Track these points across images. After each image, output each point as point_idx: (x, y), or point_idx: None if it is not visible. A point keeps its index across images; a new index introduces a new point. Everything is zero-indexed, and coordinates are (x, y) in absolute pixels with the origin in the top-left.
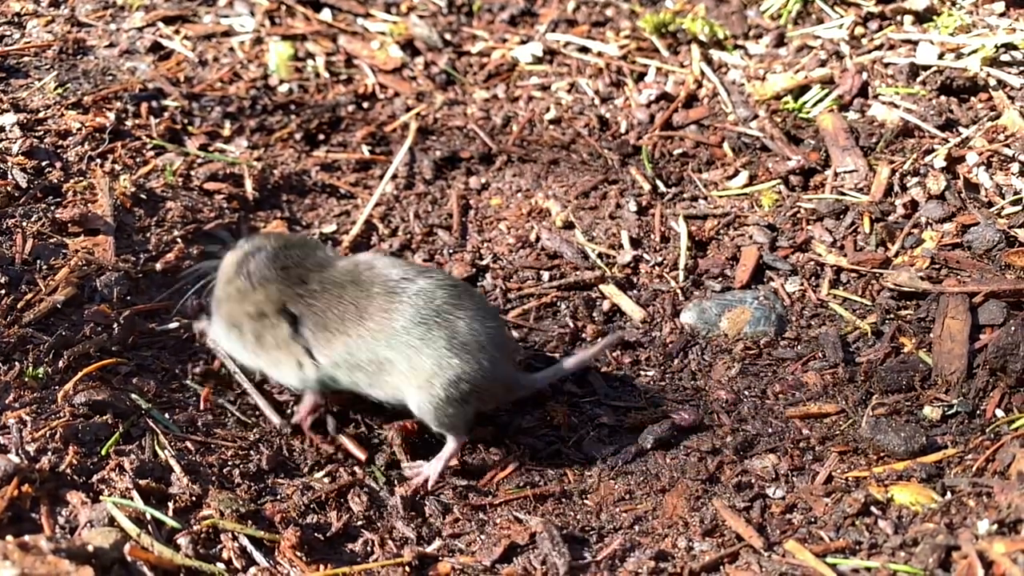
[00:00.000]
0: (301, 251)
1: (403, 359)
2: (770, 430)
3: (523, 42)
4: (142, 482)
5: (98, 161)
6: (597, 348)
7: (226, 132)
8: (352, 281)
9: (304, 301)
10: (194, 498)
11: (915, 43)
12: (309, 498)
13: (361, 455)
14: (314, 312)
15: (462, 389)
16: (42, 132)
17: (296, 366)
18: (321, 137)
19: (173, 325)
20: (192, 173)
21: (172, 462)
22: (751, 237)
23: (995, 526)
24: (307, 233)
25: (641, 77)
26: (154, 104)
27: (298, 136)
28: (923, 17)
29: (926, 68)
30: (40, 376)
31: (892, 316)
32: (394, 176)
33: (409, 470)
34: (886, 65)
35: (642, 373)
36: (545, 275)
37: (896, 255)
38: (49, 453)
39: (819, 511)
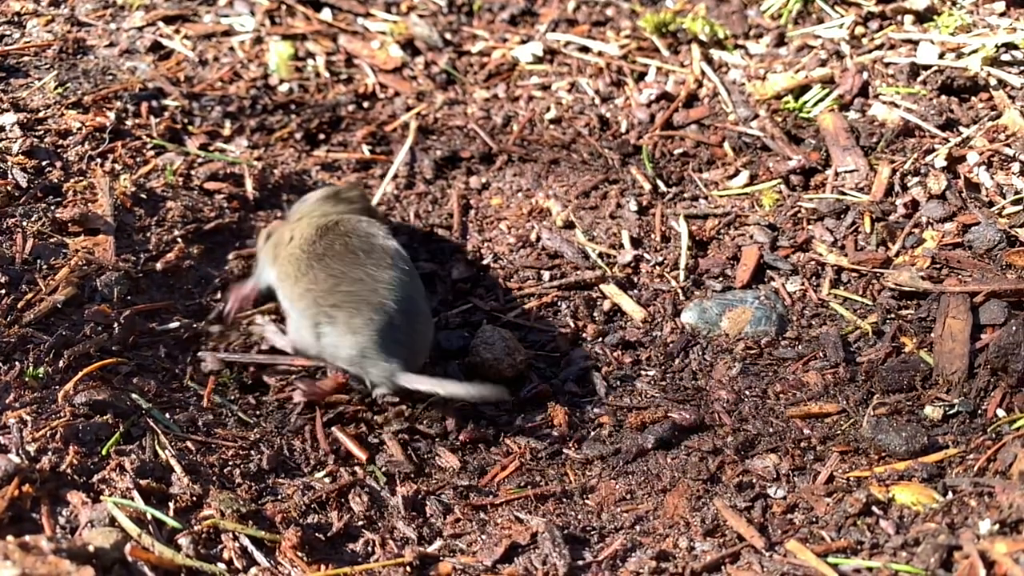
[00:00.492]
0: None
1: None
2: (771, 430)
3: (523, 42)
4: (143, 482)
5: (98, 161)
6: (478, 391)
7: (226, 132)
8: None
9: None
10: (195, 498)
11: (916, 43)
12: (310, 498)
13: (362, 455)
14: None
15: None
16: (42, 132)
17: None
18: (321, 137)
19: (174, 325)
20: (192, 173)
21: (173, 462)
22: (752, 237)
23: (997, 526)
24: None
25: (641, 77)
26: (154, 104)
27: (298, 136)
28: (923, 17)
29: (927, 68)
30: (40, 376)
31: (893, 316)
32: (394, 176)
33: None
34: (887, 65)
35: (643, 373)
36: (546, 275)
37: (897, 255)
38: (49, 453)
39: (820, 511)
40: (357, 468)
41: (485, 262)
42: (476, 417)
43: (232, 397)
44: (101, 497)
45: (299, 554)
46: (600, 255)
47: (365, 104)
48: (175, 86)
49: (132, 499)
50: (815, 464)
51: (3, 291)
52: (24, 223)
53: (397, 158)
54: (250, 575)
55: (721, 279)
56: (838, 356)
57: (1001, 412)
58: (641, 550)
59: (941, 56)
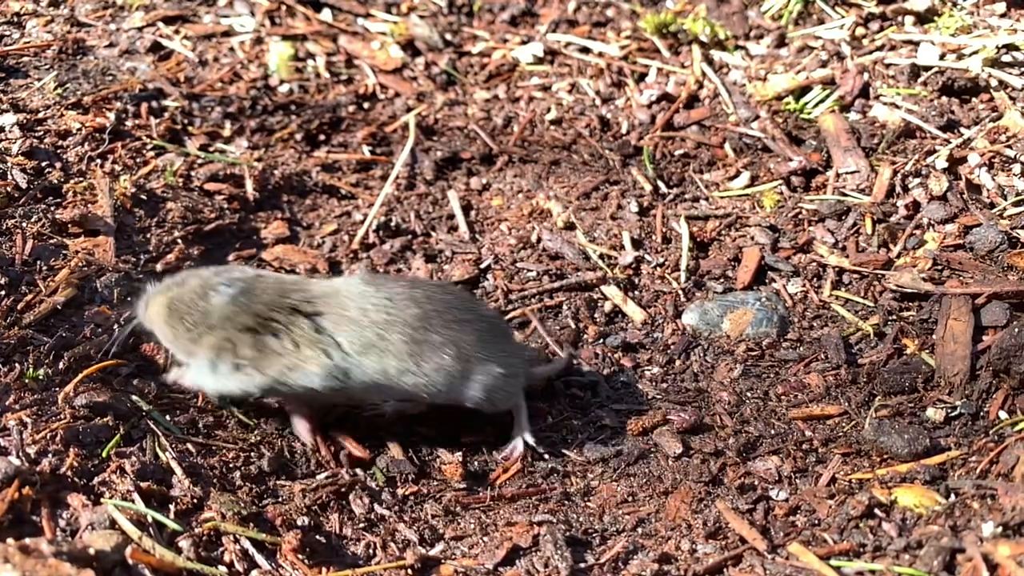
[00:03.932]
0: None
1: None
2: (773, 432)
3: (524, 42)
4: (143, 484)
5: (98, 161)
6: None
7: (226, 132)
8: (344, 291)
9: (310, 304)
10: (195, 500)
11: (916, 44)
12: (311, 500)
13: (363, 457)
14: (327, 309)
15: (513, 364)
16: (42, 132)
17: (324, 358)
18: (322, 137)
19: None
20: (192, 173)
21: (173, 464)
22: (753, 238)
23: (1000, 528)
24: (307, 233)
25: (642, 78)
26: (154, 104)
27: (299, 136)
28: (924, 18)
29: (927, 69)
30: (40, 378)
31: (894, 317)
32: (395, 176)
33: (505, 454)
34: (887, 66)
35: (644, 374)
36: (546, 276)
37: (898, 256)
38: (50, 455)
39: (823, 513)
40: (358, 470)
41: (486, 263)
42: (477, 418)
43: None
44: (102, 499)
45: (300, 556)
46: (601, 256)
47: (365, 105)
48: (175, 87)
49: (133, 501)
50: (817, 466)
51: (3, 292)
52: (24, 224)
53: (399, 159)
54: None
55: (722, 280)
56: (840, 358)
57: (1003, 414)
58: (643, 552)
59: (942, 57)
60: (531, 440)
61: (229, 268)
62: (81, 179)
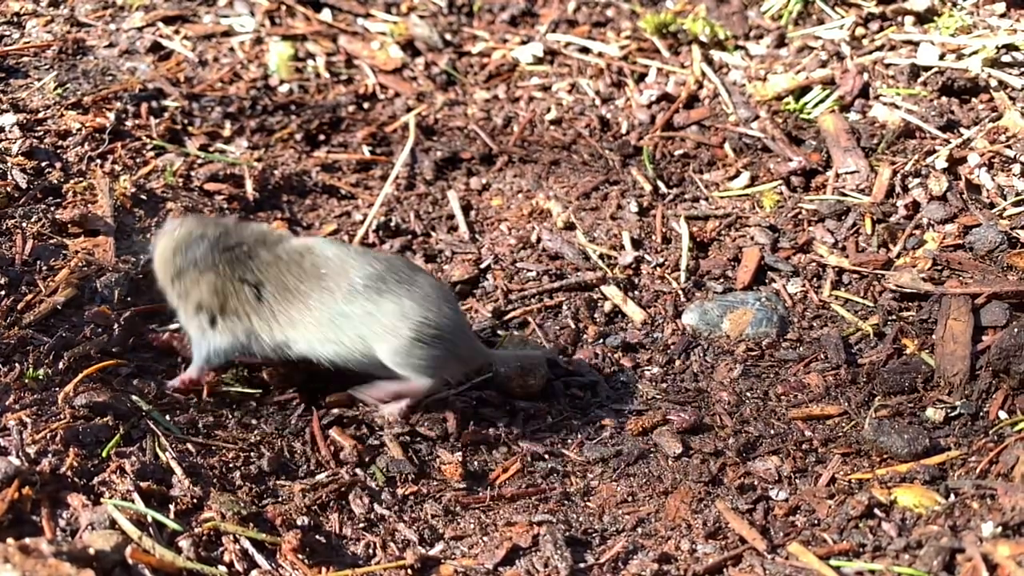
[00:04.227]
0: (237, 231)
1: (363, 312)
2: (772, 432)
3: (524, 42)
4: (143, 484)
5: (98, 161)
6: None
7: (226, 132)
8: (302, 254)
9: (261, 271)
10: (195, 500)
11: (916, 44)
12: (311, 500)
13: (363, 457)
14: (271, 279)
15: (428, 332)
16: (42, 132)
17: (249, 333)
18: (322, 137)
19: (174, 326)
20: (192, 174)
21: (173, 464)
22: (752, 238)
23: (999, 529)
24: (307, 233)
25: (642, 78)
26: (154, 104)
27: (298, 136)
28: (924, 18)
29: (927, 69)
30: (40, 378)
31: (894, 317)
32: (395, 176)
33: (370, 398)
34: (887, 66)
35: (644, 374)
36: (546, 276)
37: (898, 256)
38: (50, 455)
39: (822, 513)
40: (358, 470)
41: (485, 264)
42: (477, 419)
43: (230, 400)
44: (102, 499)
45: (300, 556)
46: (601, 256)
47: (365, 105)
48: (175, 87)
49: (133, 501)
50: (817, 466)
51: (3, 292)
52: (24, 224)
53: (399, 159)
54: None
55: (722, 280)
56: (839, 358)
57: (1003, 414)
58: (643, 552)
59: (942, 57)
60: (390, 413)
61: (216, 220)
62: (81, 179)
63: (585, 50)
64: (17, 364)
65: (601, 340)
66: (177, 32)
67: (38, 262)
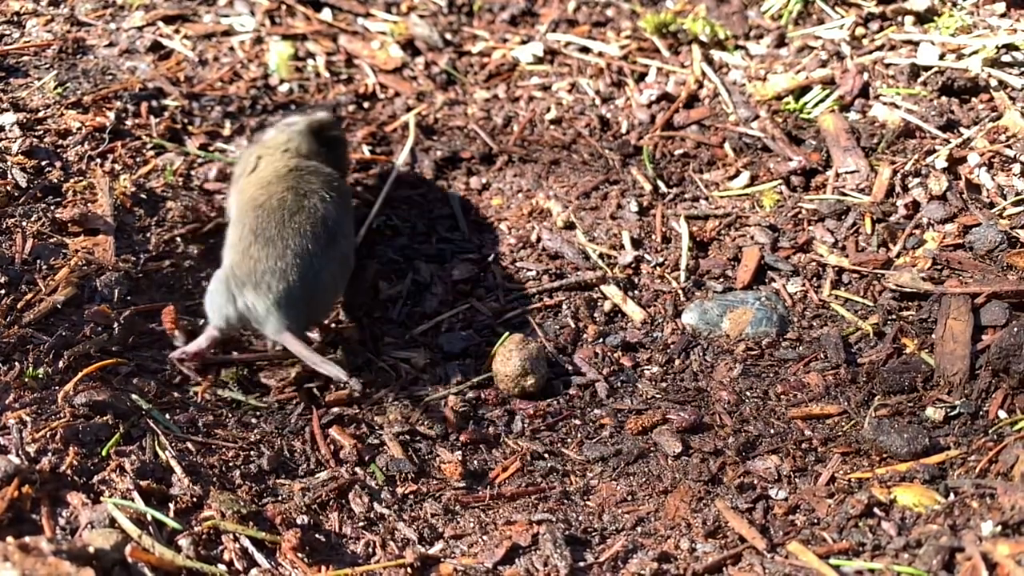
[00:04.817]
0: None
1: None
2: (772, 431)
3: (524, 42)
4: (143, 483)
5: (98, 161)
6: (327, 369)
7: (226, 132)
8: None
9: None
10: (195, 499)
11: (916, 44)
12: (310, 499)
13: (363, 456)
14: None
15: (222, 277)
16: (42, 132)
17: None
18: None
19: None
20: (192, 173)
21: (173, 463)
22: (752, 238)
23: (999, 528)
24: None
25: (642, 77)
26: (154, 104)
27: None
28: (924, 18)
29: (927, 69)
30: (40, 376)
31: (894, 317)
32: (395, 176)
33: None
34: (887, 66)
35: (644, 374)
36: (546, 276)
37: (898, 256)
38: (49, 454)
39: (822, 512)
40: (358, 469)
41: (485, 263)
42: (477, 418)
43: (231, 398)
44: (101, 498)
45: (300, 555)
46: (600, 256)
47: (365, 104)
48: (175, 86)
49: (132, 500)
50: (816, 465)
51: (3, 291)
52: (24, 223)
53: (399, 159)
54: None
55: (722, 280)
56: (839, 357)
57: (1003, 413)
58: (642, 551)
59: (942, 57)
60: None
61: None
62: (81, 178)
63: (585, 50)
64: (17, 363)
65: (601, 339)
66: (177, 31)
67: (38, 261)
